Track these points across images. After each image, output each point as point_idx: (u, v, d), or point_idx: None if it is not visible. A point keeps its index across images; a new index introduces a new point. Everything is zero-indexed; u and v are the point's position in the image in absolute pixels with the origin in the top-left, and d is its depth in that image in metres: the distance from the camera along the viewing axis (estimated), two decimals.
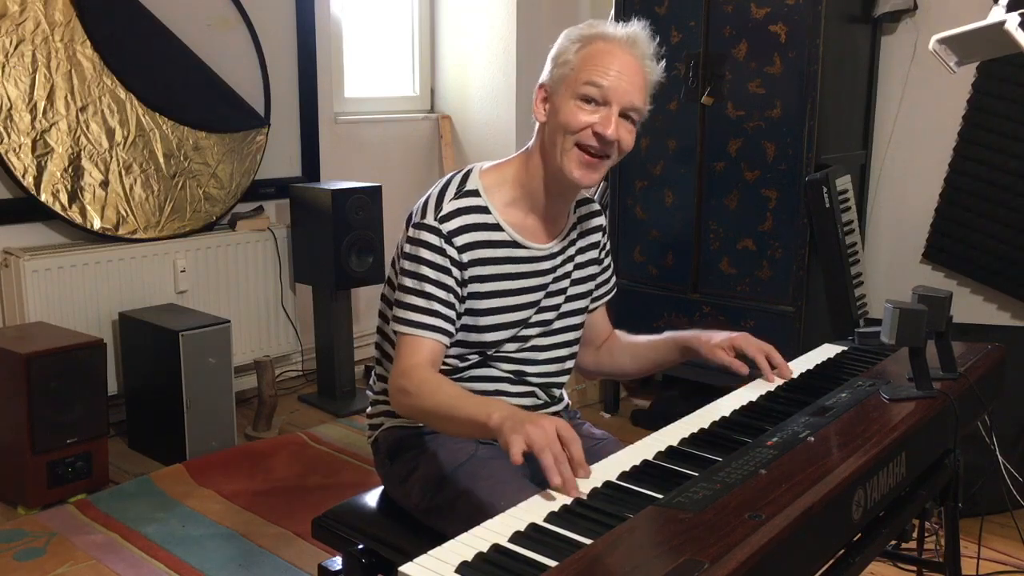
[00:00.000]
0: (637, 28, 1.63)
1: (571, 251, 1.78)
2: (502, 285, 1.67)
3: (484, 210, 1.65)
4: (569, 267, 1.78)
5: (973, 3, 3.10)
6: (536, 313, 1.73)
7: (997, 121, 3.30)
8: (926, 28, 3.42)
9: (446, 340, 1.61)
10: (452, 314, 1.61)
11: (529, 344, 1.74)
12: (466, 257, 1.62)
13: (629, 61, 1.58)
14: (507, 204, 1.67)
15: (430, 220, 1.62)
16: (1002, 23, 2.03)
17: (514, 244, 1.67)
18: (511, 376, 1.73)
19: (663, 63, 1.66)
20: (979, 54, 2.32)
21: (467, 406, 1.45)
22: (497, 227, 1.66)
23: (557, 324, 1.77)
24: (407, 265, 1.62)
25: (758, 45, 3.22)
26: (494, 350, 1.70)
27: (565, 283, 1.77)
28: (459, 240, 1.61)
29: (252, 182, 3.80)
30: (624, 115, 1.59)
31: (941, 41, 2.16)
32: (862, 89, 3.59)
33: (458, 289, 1.62)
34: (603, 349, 1.95)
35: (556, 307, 1.76)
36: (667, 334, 1.88)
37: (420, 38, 4.63)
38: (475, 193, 1.66)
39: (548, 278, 1.73)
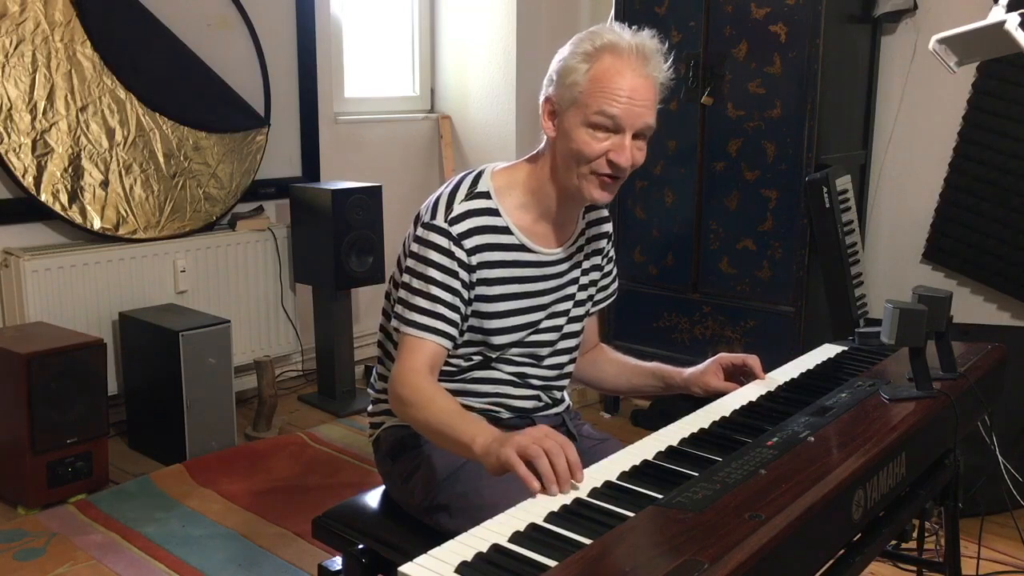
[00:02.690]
0: (645, 37, 1.58)
1: (579, 257, 1.78)
2: (510, 288, 1.67)
3: (494, 212, 1.64)
4: (577, 273, 1.78)
5: (973, 3, 3.10)
6: (548, 318, 1.73)
7: (997, 121, 3.30)
8: (926, 28, 3.42)
9: (448, 344, 1.60)
10: (456, 317, 1.61)
11: (536, 348, 1.73)
12: (475, 260, 1.62)
13: (639, 81, 1.55)
14: (517, 208, 1.67)
15: (440, 221, 1.61)
16: (1002, 23, 2.03)
17: (523, 248, 1.67)
18: (514, 379, 1.73)
19: (670, 61, 1.62)
20: (979, 54, 2.32)
21: (455, 426, 1.45)
22: (507, 230, 1.65)
23: (566, 328, 1.78)
24: (414, 265, 1.61)
25: (758, 45, 3.22)
26: (499, 353, 1.70)
27: (573, 288, 1.77)
28: (468, 242, 1.61)
29: (252, 182, 3.80)
30: (637, 135, 1.58)
31: (941, 41, 2.16)
32: (862, 89, 3.59)
33: (464, 292, 1.61)
34: (587, 358, 1.94)
35: (566, 312, 1.77)
36: (653, 364, 1.89)
37: (420, 38, 4.63)
38: (486, 195, 1.65)
39: (557, 282, 1.73)
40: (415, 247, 1.62)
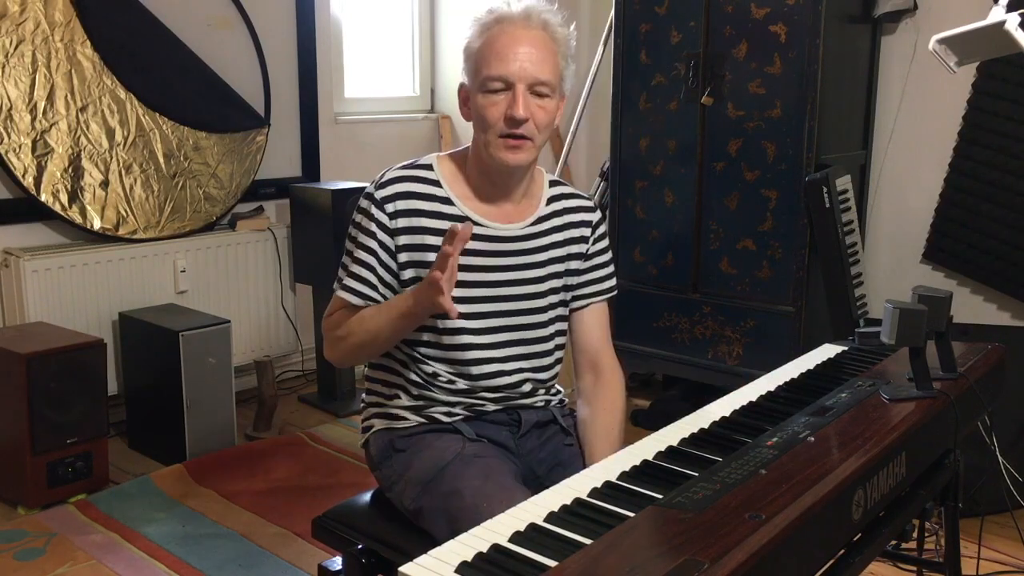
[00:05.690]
0: (533, 3, 1.64)
1: (543, 240, 1.75)
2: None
3: (434, 183, 1.70)
4: (541, 256, 1.74)
5: (973, 3, 3.10)
6: (520, 300, 1.72)
7: (997, 121, 3.30)
8: (926, 28, 3.42)
9: (360, 302, 1.67)
10: (373, 277, 1.67)
11: (511, 328, 1.72)
12: (401, 223, 1.66)
13: (526, 37, 1.60)
14: (467, 198, 1.70)
15: (369, 188, 1.70)
16: (1002, 23, 2.03)
17: (465, 220, 1.67)
18: (488, 351, 1.71)
19: (573, 27, 1.68)
20: (979, 54, 2.32)
21: (392, 310, 1.61)
22: (447, 200, 1.69)
23: (548, 312, 1.76)
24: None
25: (758, 45, 3.22)
26: (470, 336, 1.68)
27: (539, 272, 1.74)
28: (391, 206, 1.66)
29: (252, 182, 3.80)
30: (534, 92, 1.60)
31: (941, 41, 2.16)
32: (862, 89, 3.59)
33: (382, 253, 1.67)
34: (599, 386, 1.79)
35: (539, 294, 1.74)
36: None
37: (420, 38, 4.63)
38: (427, 167, 1.71)
39: (517, 260, 1.72)
40: None
